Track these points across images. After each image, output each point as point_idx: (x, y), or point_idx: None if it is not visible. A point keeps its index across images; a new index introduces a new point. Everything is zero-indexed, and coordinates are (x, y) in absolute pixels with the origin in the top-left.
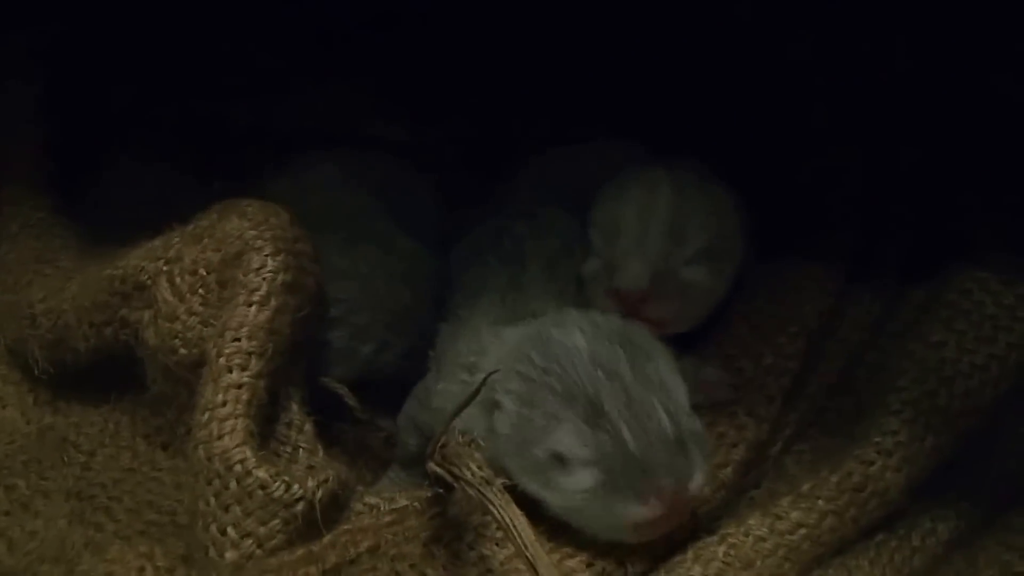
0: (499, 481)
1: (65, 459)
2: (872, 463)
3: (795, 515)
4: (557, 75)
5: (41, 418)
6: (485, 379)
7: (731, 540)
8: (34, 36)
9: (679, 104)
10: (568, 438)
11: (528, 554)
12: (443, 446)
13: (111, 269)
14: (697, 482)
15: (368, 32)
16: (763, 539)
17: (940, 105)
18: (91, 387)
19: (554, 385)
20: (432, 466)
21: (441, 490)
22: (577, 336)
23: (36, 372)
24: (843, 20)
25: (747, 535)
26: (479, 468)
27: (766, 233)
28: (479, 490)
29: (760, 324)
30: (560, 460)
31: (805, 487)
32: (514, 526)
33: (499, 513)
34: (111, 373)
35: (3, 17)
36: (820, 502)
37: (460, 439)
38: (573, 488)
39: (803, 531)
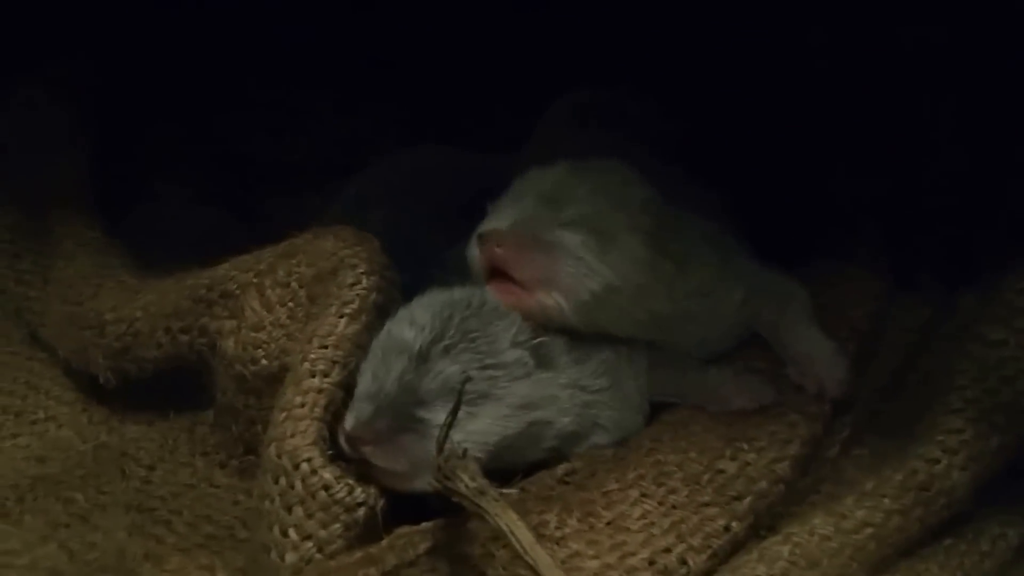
0: (493, 490)
1: (126, 472)
2: (937, 461)
3: (860, 514)
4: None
5: (97, 437)
6: (463, 385)
7: (796, 539)
8: (73, 65)
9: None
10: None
11: (528, 558)
12: (442, 463)
13: (195, 279)
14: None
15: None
16: (828, 538)
17: (984, 101)
18: (148, 405)
19: None
20: (433, 484)
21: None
22: None
23: (100, 381)
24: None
25: (812, 534)
26: (472, 479)
27: (802, 234)
28: (473, 501)
29: None
30: None
31: (869, 486)
32: (511, 531)
33: (494, 521)
34: (171, 390)
35: (44, 46)
36: (886, 501)
37: (458, 452)
38: None
39: (869, 530)
